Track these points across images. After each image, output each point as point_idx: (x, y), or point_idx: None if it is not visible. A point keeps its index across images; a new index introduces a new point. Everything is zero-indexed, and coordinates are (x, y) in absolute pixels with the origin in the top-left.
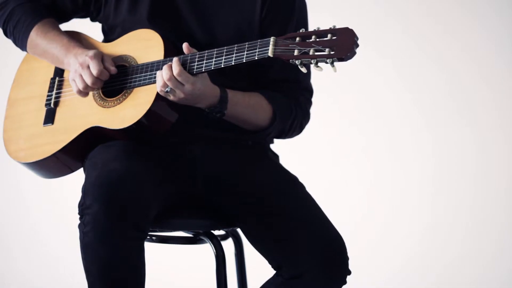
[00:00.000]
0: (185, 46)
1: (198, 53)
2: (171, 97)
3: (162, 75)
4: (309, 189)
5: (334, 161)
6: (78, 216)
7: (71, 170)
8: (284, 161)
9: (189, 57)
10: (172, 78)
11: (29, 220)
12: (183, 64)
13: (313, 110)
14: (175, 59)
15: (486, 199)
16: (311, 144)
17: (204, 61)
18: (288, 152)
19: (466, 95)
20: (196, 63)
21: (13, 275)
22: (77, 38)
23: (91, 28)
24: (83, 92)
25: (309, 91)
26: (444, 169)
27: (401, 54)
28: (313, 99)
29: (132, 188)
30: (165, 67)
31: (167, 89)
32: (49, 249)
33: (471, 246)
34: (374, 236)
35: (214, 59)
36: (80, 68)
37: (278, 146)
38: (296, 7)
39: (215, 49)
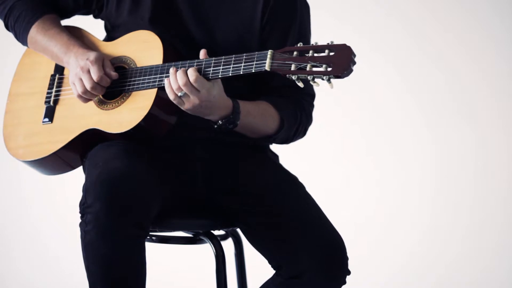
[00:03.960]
0: (202, 52)
1: (205, 59)
2: (184, 105)
3: (176, 80)
4: (309, 189)
5: (333, 161)
6: (79, 215)
7: (72, 167)
8: (284, 161)
9: (204, 62)
10: (188, 83)
11: (29, 219)
12: (198, 70)
13: (313, 110)
14: (191, 68)
15: (487, 199)
16: (311, 144)
17: (212, 67)
18: (288, 152)
19: (467, 95)
20: (212, 69)
21: (13, 275)
22: (77, 36)
23: (93, 25)
24: (83, 97)
25: (311, 95)
26: (444, 169)
27: (402, 54)
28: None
29: (133, 186)
30: (179, 72)
31: (180, 94)
32: (49, 249)
33: (472, 246)
34: (374, 236)
35: (212, 68)
36: (80, 72)
37: (278, 146)
38: (298, 13)
39: (213, 58)
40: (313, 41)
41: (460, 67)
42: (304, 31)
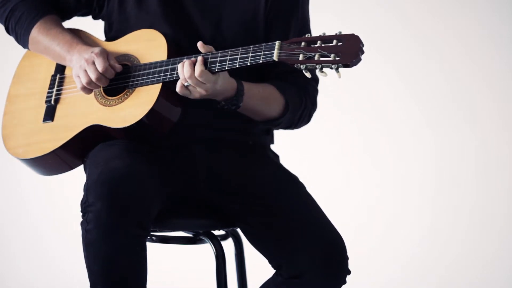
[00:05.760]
0: (199, 44)
1: (211, 53)
2: (190, 94)
3: (183, 71)
4: (310, 189)
5: (334, 161)
6: (81, 214)
7: (70, 167)
8: (284, 161)
9: (210, 56)
10: (192, 76)
11: (29, 220)
12: (204, 63)
13: (318, 95)
14: (199, 58)
15: (487, 200)
16: (312, 144)
17: (218, 61)
18: (288, 152)
19: (467, 95)
20: (218, 63)
21: (13, 275)
22: (79, 36)
23: (92, 27)
24: (87, 88)
25: (316, 80)
26: (445, 169)
27: (402, 54)
28: None
29: (134, 186)
30: (186, 63)
31: (186, 84)
32: (49, 249)
33: (472, 247)
34: (374, 236)
35: (218, 60)
36: (85, 64)
37: (278, 146)
38: (300, 2)
39: (220, 52)
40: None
41: (460, 67)
42: (305, 18)
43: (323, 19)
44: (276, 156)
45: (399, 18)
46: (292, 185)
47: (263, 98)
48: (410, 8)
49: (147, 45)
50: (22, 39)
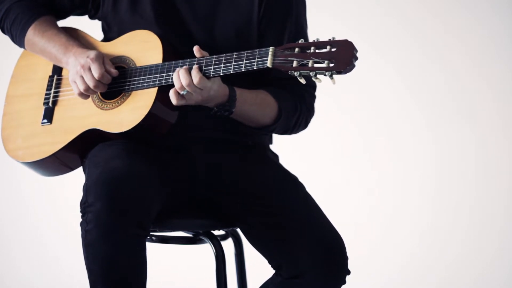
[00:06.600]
0: (196, 49)
1: (205, 58)
2: (186, 102)
3: (179, 79)
4: (309, 189)
5: (334, 161)
6: (80, 214)
7: (71, 168)
8: (284, 161)
9: (204, 61)
10: (191, 84)
11: (29, 220)
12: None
13: (315, 101)
14: (195, 67)
15: (487, 199)
16: (311, 144)
17: (213, 66)
18: (288, 152)
19: (467, 95)
20: (212, 68)
21: (13, 275)
22: (75, 36)
23: (90, 25)
24: (84, 95)
25: (313, 86)
26: (445, 169)
27: (401, 54)
28: None
29: (134, 186)
30: (182, 72)
31: (183, 92)
32: (49, 249)
33: (472, 247)
34: (374, 236)
35: (213, 66)
36: (81, 70)
37: (278, 146)
38: (293, 5)
39: (214, 56)
40: (312, 38)
41: (460, 67)
42: (301, 23)
43: (324, 20)
44: (276, 156)
45: (399, 19)
46: (291, 185)
47: (256, 104)
48: (410, 8)
49: (142, 46)
50: (18, 41)
